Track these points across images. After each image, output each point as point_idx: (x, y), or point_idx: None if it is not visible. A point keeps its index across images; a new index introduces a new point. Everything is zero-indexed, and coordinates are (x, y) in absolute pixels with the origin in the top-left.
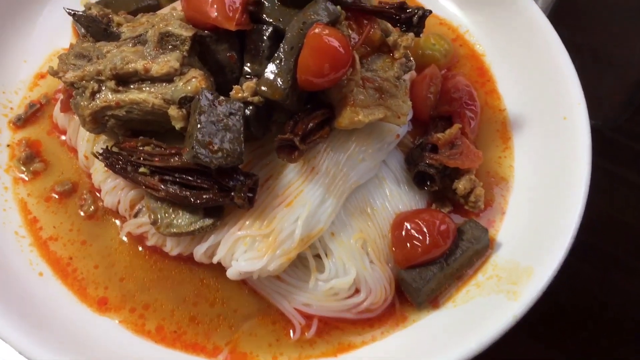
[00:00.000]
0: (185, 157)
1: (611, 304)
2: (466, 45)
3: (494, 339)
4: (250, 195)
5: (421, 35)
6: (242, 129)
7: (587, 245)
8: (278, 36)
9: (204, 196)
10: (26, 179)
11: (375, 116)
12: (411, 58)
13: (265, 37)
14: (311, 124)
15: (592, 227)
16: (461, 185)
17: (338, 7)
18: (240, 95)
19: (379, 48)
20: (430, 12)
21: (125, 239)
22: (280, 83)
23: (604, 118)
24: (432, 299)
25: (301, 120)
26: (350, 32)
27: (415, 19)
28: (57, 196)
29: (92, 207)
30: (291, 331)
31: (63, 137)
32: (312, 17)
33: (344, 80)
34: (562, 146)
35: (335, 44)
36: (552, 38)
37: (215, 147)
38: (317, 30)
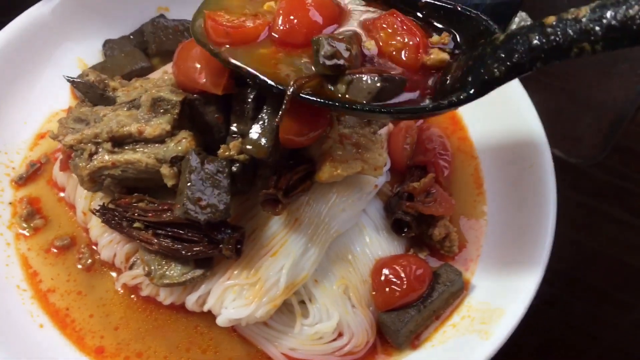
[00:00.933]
0: (176, 212)
1: (602, 338)
2: None
3: None
4: (238, 247)
5: None
6: (228, 185)
7: (577, 281)
8: (261, 98)
9: (195, 249)
10: (27, 234)
11: (354, 169)
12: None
13: (249, 100)
14: (293, 179)
15: (580, 263)
16: (436, 231)
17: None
18: (227, 153)
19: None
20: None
21: (120, 289)
22: (264, 142)
23: (584, 156)
24: (411, 340)
25: (284, 175)
26: None
27: None
28: (56, 250)
29: (89, 260)
30: None
31: (62, 194)
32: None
33: (324, 137)
34: (530, 193)
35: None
36: (518, 92)
37: (204, 203)
38: None
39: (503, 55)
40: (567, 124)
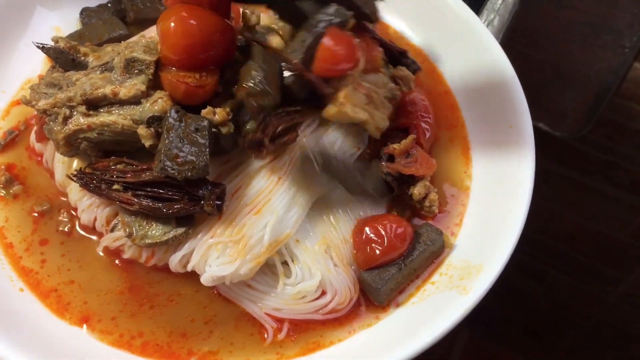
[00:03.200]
0: (154, 169)
1: (590, 313)
2: (427, 62)
3: (447, 331)
4: (219, 203)
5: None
6: (207, 143)
7: (563, 256)
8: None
9: (176, 206)
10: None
11: (359, 116)
12: (399, 89)
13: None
14: (280, 128)
15: (567, 238)
16: (416, 190)
17: (349, 12)
18: (210, 116)
19: (377, 70)
20: (420, 69)
21: (101, 253)
22: (270, 90)
23: (568, 130)
24: (392, 298)
25: (271, 124)
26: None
27: (410, 69)
28: (36, 215)
29: (69, 225)
30: (265, 335)
31: (40, 159)
32: (323, 16)
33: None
34: (510, 153)
35: (353, 41)
36: (500, 57)
37: (181, 160)
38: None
39: None
40: (552, 97)
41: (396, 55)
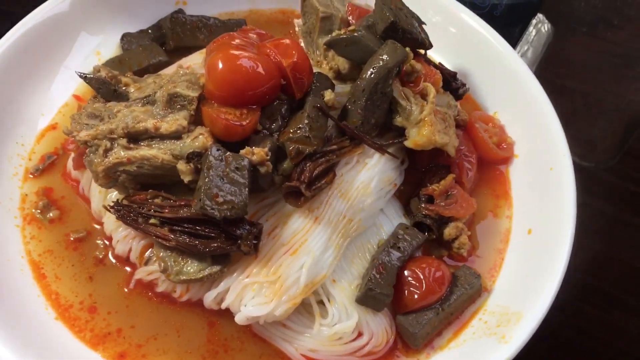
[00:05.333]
0: (193, 208)
1: (612, 343)
2: (470, 100)
3: None
4: (255, 242)
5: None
6: (247, 182)
7: (588, 286)
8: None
9: (212, 244)
10: (43, 226)
11: (444, 141)
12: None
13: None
14: (316, 171)
15: (591, 268)
16: (447, 231)
17: (407, 48)
18: (249, 156)
19: (439, 92)
20: (469, 90)
21: (132, 286)
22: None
23: (597, 160)
24: (428, 342)
25: (307, 168)
26: (421, 68)
27: (460, 91)
28: (72, 240)
29: (103, 253)
30: None
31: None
32: (381, 60)
33: (427, 102)
34: (550, 196)
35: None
36: (539, 94)
37: (221, 200)
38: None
39: None
40: (581, 126)
41: (447, 78)
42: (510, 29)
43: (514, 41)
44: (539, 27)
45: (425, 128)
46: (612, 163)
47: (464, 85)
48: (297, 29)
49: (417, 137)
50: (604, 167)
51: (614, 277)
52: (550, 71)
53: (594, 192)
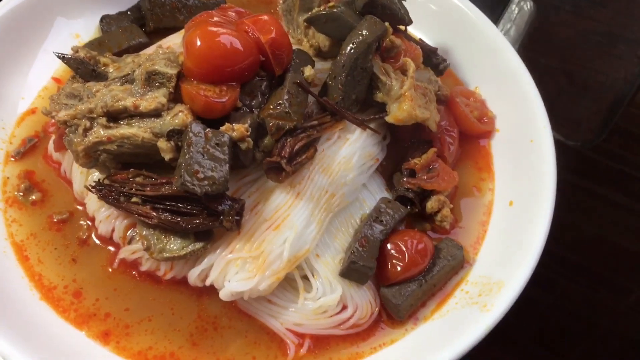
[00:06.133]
0: (174, 185)
1: (599, 323)
2: (451, 75)
3: (468, 348)
4: (238, 218)
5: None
6: (227, 158)
7: (574, 265)
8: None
9: (195, 221)
10: (25, 208)
11: (424, 115)
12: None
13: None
14: (297, 146)
15: (578, 247)
16: (429, 204)
17: (386, 23)
18: (229, 132)
19: (419, 67)
20: (449, 65)
21: (116, 266)
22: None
23: (582, 139)
24: (412, 313)
25: (287, 144)
26: (400, 43)
27: (441, 66)
28: (55, 222)
29: (86, 234)
30: (288, 350)
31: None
32: (360, 35)
33: (407, 77)
34: (531, 168)
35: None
36: (518, 68)
37: (202, 176)
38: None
39: None
40: (566, 106)
41: (428, 53)
42: (493, 6)
43: (496, 19)
44: (522, 4)
45: (405, 103)
46: (597, 142)
47: (444, 60)
48: (278, 8)
49: (398, 112)
50: (590, 146)
51: (600, 256)
52: (534, 50)
53: (579, 171)
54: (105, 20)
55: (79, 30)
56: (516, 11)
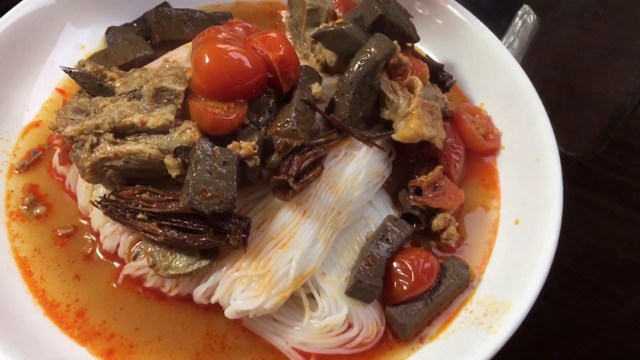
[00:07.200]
0: (182, 202)
1: (597, 331)
2: (457, 91)
3: None
4: (244, 236)
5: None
6: (235, 176)
7: (573, 274)
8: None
9: (201, 239)
10: (29, 222)
11: (431, 134)
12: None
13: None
14: (304, 164)
15: (576, 257)
16: (435, 222)
17: (395, 41)
18: (237, 151)
19: (426, 84)
20: (455, 82)
21: (120, 282)
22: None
23: (582, 150)
24: (418, 332)
25: (295, 161)
26: (408, 61)
27: (447, 83)
28: (60, 236)
29: (90, 248)
30: None
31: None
32: (369, 53)
33: (415, 95)
34: (537, 188)
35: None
36: (525, 85)
37: (209, 194)
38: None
39: None
40: (567, 117)
41: (434, 70)
42: (497, 20)
43: (500, 32)
44: (525, 18)
45: (412, 121)
46: (597, 153)
47: (450, 77)
48: (284, 20)
49: (405, 130)
50: (590, 157)
51: (600, 266)
52: (536, 62)
53: (579, 182)
54: (111, 32)
55: (84, 42)
56: (520, 24)
